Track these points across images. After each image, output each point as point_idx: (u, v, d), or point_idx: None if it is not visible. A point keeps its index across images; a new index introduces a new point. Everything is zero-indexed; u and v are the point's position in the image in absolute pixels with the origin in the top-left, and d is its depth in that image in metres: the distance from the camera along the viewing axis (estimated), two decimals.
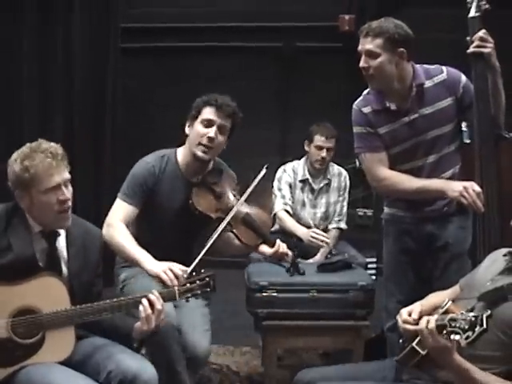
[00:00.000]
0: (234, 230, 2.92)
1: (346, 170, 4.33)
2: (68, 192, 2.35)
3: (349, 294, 3.22)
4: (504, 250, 2.36)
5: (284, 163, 4.34)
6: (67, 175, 2.36)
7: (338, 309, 3.22)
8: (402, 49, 2.78)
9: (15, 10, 4.73)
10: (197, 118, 2.94)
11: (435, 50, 2.94)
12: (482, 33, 2.75)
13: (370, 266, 4.97)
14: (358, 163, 5.45)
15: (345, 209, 4.24)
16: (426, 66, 2.91)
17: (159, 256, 2.79)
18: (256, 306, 3.21)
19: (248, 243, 2.92)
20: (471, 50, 2.74)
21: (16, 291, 2.26)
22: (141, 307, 2.36)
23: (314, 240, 3.79)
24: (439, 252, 2.97)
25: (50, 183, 2.29)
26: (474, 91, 2.80)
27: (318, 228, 4.14)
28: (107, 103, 4.83)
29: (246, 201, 2.99)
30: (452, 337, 1.98)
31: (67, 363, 2.29)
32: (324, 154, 4.04)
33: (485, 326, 1.93)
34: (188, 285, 2.49)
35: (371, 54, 2.78)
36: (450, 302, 2.19)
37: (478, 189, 2.68)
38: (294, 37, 5.50)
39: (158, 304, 2.37)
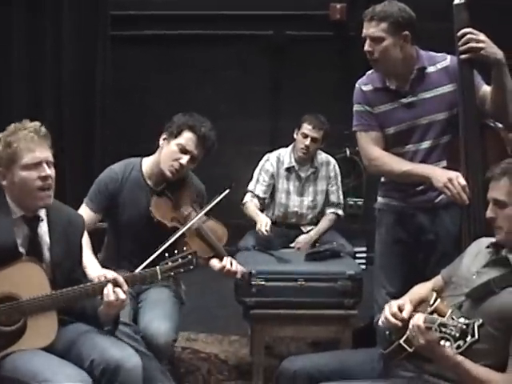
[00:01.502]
0: (187, 240, 2.92)
1: (335, 159, 4.32)
2: (50, 171, 2.35)
3: (337, 283, 3.23)
4: (485, 241, 2.36)
5: (270, 152, 4.34)
6: (50, 156, 2.37)
7: (326, 298, 3.23)
8: (406, 32, 2.78)
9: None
10: (175, 137, 2.95)
11: (424, 38, 2.90)
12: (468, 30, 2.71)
13: (359, 255, 5.00)
14: (348, 152, 5.49)
15: (341, 197, 4.25)
16: (431, 52, 2.91)
17: (125, 262, 2.91)
18: (244, 295, 3.21)
19: (199, 255, 2.91)
20: (463, 48, 2.69)
21: None
22: (105, 291, 2.34)
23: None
24: (430, 246, 2.95)
25: (31, 159, 2.30)
26: (459, 79, 2.78)
27: (305, 217, 4.16)
28: (96, 92, 4.79)
29: (205, 214, 3.01)
30: (442, 342, 1.97)
31: (52, 350, 2.28)
32: (308, 142, 4.04)
33: (476, 336, 1.92)
34: (170, 263, 2.48)
35: (376, 39, 2.77)
36: (439, 300, 2.18)
37: (463, 181, 2.66)
38: (284, 25, 5.45)
39: (122, 293, 2.34)
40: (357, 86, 3.00)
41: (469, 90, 2.76)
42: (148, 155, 3.10)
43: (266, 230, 3.69)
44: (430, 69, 2.86)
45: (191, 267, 2.50)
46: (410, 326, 2.09)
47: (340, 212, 4.22)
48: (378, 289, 3.11)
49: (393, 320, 2.23)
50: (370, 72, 2.98)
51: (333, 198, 4.21)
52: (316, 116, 4.11)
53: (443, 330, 1.98)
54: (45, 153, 2.35)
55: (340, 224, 4.39)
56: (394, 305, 2.27)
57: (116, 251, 3.05)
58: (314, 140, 4.06)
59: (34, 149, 2.31)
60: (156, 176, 3.02)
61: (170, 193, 2.99)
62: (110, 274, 2.65)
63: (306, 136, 4.05)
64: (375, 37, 2.77)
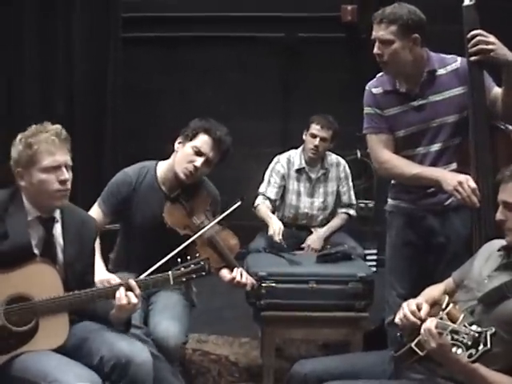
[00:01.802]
0: (197, 249, 2.92)
1: (346, 160, 4.33)
2: (68, 175, 2.37)
3: (348, 285, 3.22)
4: (497, 245, 2.35)
5: (280, 153, 4.34)
6: (69, 159, 2.39)
7: (337, 300, 3.22)
8: (415, 35, 2.76)
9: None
10: (191, 140, 2.95)
11: (433, 40, 2.90)
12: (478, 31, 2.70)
13: (370, 257, 5.00)
14: (359, 154, 5.47)
15: (353, 197, 4.25)
16: (442, 54, 2.90)
17: (135, 265, 2.91)
18: (255, 297, 3.20)
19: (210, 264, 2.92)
20: (472, 50, 2.69)
21: (9, 279, 2.26)
22: (117, 294, 2.36)
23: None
24: (440, 249, 2.94)
25: (51, 162, 2.32)
26: (469, 81, 2.77)
27: (316, 218, 4.16)
28: (108, 92, 4.81)
29: (217, 223, 3.01)
30: (454, 350, 1.96)
31: (61, 349, 2.30)
32: (317, 142, 4.04)
33: (489, 345, 1.91)
34: (182, 269, 2.49)
35: (385, 41, 2.76)
36: (451, 305, 2.18)
37: (473, 184, 2.65)
38: (295, 27, 5.46)
39: (134, 298, 2.36)
40: (367, 88, 2.99)
41: (479, 92, 2.76)
42: (164, 159, 3.09)
43: (280, 239, 3.67)
44: (440, 71, 2.86)
45: (203, 273, 2.51)
46: (422, 331, 2.08)
47: (352, 212, 4.23)
48: (388, 291, 3.11)
49: (412, 318, 2.21)
50: (379, 75, 2.98)
51: (344, 198, 4.21)
52: (324, 116, 4.12)
53: (455, 337, 1.97)
54: (64, 156, 2.36)
55: (350, 226, 4.39)
56: (412, 303, 2.27)
57: (127, 253, 3.07)
58: (323, 139, 4.06)
59: (54, 152, 2.33)
60: (170, 181, 3.02)
61: (184, 200, 2.99)
62: (114, 278, 2.73)
63: (314, 136, 4.05)
64: (385, 39, 2.76)
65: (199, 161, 2.92)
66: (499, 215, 2.28)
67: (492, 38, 2.68)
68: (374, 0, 5.34)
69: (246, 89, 5.51)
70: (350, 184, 4.25)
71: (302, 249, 4.01)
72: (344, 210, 4.21)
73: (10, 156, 2.39)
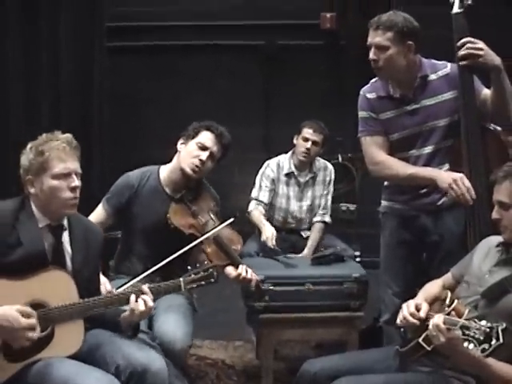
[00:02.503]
0: (204, 248, 3.00)
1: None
2: (79, 182, 2.40)
3: (343, 285, 3.29)
4: (494, 241, 2.44)
5: (269, 158, 4.42)
6: (79, 167, 2.42)
7: (333, 300, 3.28)
8: (410, 42, 2.86)
9: None
10: (193, 138, 3.07)
11: (425, 46, 3.00)
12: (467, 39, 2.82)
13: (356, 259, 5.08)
14: (340, 159, 5.58)
15: (329, 202, 4.32)
16: (433, 60, 3.00)
17: (140, 267, 2.98)
18: (253, 300, 3.26)
19: (216, 262, 2.96)
20: (462, 53, 2.80)
21: (25, 285, 2.27)
22: (132, 299, 2.40)
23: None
24: (434, 247, 3.03)
25: (62, 169, 2.35)
26: (460, 85, 2.88)
27: (304, 221, 4.24)
28: (94, 102, 4.84)
29: (220, 220, 3.09)
30: (465, 344, 2.03)
31: (76, 356, 2.31)
32: (309, 145, 4.13)
33: (501, 340, 1.97)
34: (193, 275, 2.54)
35: (381, 47, 2.85)
36: (456, 301, 2.26)
37: (467, 182, 2.75)
38: (275, 35, 5.57)
39: (150, 301, 2.41)
40: (361, 93, 3.08)
41: (469, 95, 2.87)
42: (165, 163, 3.18)
43: (273, 245, 3.74)
44: (432, 76, 2.95)
45: (212, 281, 2.57)
46: (430, 326, 2.15)
47: (326, 219, 4.27)
48: (384, 289, 3.19)
49: (411, 319, 2.30)
50: (373, 81, 3.07)
51: (321, 201, 4.28)
52: (315, 121, 4.22)
53: (466, 332, 2.04)
54: (75, 164, 2.40)
55: (334, 229, 4.47)
56: (411, 305, 2.35)
57: (129, 258, 3.10)
58: (314, 143, 4.15)
59: (65, 159, 2.36)
60: (174, 182, 3.10)
61: (189, 200, 3.05)
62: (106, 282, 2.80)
63: (306, 140, 4.14)
64: (380, 45, 2.85)
65: (204, 155, 3.02)
66: (495, 214, 2.39)
67: (481, 44, 2.79)
68: (352, 8, 5.51)
69: (228, 96, 5.59)
70: (331, 189, 4.34)
71: (293, 252, 4.07)
72: (319, 219, 4.26)
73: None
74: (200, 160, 3.02)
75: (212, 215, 3.10)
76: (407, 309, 2.34)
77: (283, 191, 4.24)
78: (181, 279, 2.52)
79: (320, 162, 4.30)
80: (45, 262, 2.34)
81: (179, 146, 3.11)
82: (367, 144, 3.03)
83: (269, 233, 3.84)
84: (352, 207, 5.61)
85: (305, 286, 3.28)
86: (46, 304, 2.29)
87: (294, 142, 4.23)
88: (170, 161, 3.18)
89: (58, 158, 2.35)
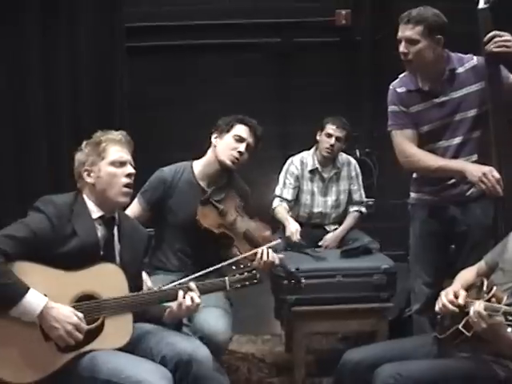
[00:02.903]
0: (236, 244, 3.10)
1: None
2: (133, 170, 2.51)
3: (373, 277, 3.35)
4: None
5: (290, 156, 4.47)
6: (132, 160, 2.53)
7: (363, 292, 3.36)
8: (439, 36, 2.94)
9: (18, 10, 4.72)
10: (228, 132, 3.17)
11: (451, 41, 3.06)
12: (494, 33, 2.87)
13: None
14: (358, 154, 5.62)
15: (363, 196, 4.40)
16: (459, 54, 3.07)
17: (176, 261, 3.12)
18: (284, 293, 3.32)
19: (249, 257, 3.01)
20: (492, 49, 2.85)
21: (78, 276, 2.31)
22: (180, 295, 2.45)
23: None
24: (462, 237, 3.10)
25: (119, 157, 2.48)
26: (486, 77, 2.94)
27: (329, 216, 4.31)
28: (114, 102, 4.84)
29: (249, 216, 3.20)
30: (509, 330, 2.10)
31: (124, 348, 2.35)
32: (332, 141, 4.19)
33: None
34: (238, 275, 2.60)
35: (411, 41, 2.93)
36: (495, 287, 2.30)
37: (497, 175, 2.80)
38: (291, 33, 5.59)
39: (197, 298, 2.46)
40: (391, 88, 3.14)
41: (496, 87, 2.92)
42: (196, 158, 3.26)
43: (298, 239, 3.80)
44: (460, 69, 3.03)
45: (255, 281, 2.62)
46: (472, 313, 2.21)
47: (363, 209, 4.38)
48: (414, 279, 3.26)
49: (451, 307, 2.36)
50: (402, 75, 3.14)
51: (356, 196, 4.36)
52: (338, 117, 4.27)
53: (509, 318, 2.11)
54: (129, 156, 2.52)
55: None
56: (450, 292, 2.41)
57: (167, 251, 3.16)
58: (338, 139, 4.21)
59: (121, 150, 2.50)
60: (209, 176, 3.19)
61: (215, 200, 3.13)
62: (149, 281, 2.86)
63: (330, 136, 4.20)
64: (411, 39, 2.93)
65: (242, 146, 3.13)
66: None
67: (508, 36, 2.85)
68: (367, 4, 5.56)
69: (244, 94, 5.61)
70: (361, 182, 4.40)
71: (319, 247, 4.13)
72: (355, 208, 4.35)
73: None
74: (239, 152, 3.12)
75: (239, 211, 3.17)
76: (446, 296, 2.40)
77: (308, 187, 4.30)
78: (226, 278, 2.58)
79: (343, 156, 4.36)
80: (98, 254, 2.40)
81: (213, 140, 3.20)
82: (398, 137, 3.09)
83: (293, 228, 3.90)
84: (370, 201, 5.64)
85: (335, 278, 3.35)
86: (97, 296, 2.33)
87: (317, 138, 4.28)
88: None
89: (114, 148, 2.48)
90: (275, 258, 2.99)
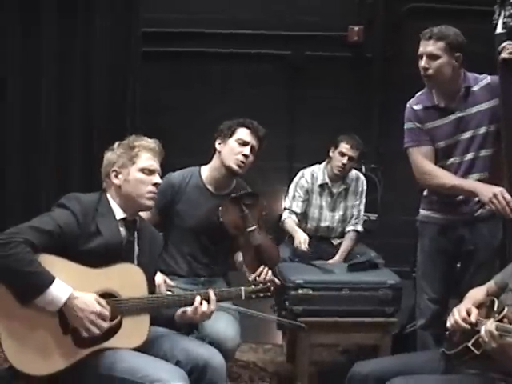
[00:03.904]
0: (242, 250, 3.17)
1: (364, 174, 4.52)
2: (160, 180, 2.56)
3: (379, 292, 3.37)
4: None
5: (296, 167, 4.51)
6: (160, 171, 2.58)
7: (369, 306, 3.37)
8: (459, 53, 3.02)
9: (33, 10, 4.78)
10: (230, 136, 3.18)
11: (469, 62, 3.13)
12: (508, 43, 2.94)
13: None
14: (364, 169, 5.66)
15: (362, 212, 4.42)
16: (475, 74, 3.15)
17: (184, 265, 3.17)
18: (291, 303, 3.34)
19: (249, 268, 3.11)
20: (506, 56, 2.92)
21: (100, 274, 2.34)
22: (197, 300, 2.49)
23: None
24: (469, 257, 3.15)
25: (149, 165, 2.52)
26: (501, 100, 3.00)
27: (335, 230, 4.34)
28: (126, 106, 4.90)
29: (266, 233, 3.24)
30: None
31: (140, 349, 2.38)
32: (345, 160, 4.20)
33: None
34: (253, 286, 2.64)
35: (432, 56, 3.00)
36: (507, 308, 2.32)
37: (508, 196, 2.85)
38: (303, 46, 5.66)
39: (213, 305, 2.51)
40: (408, 106, 3.19)
41: (510, 108, 2.97)
42: (204, 163, 3.30)
43: (306, 248, 3.85)
44: (475, 87, 3.10)
45: (269, 294, 2.67)
46: (483, 332, 2.23)
47: (359, 228, 4.38)
48: (420, 295, 3.30)
49: (463, 324, 2.39)
50: (419, 93, 3.20)
51: (354, 211, 4.38)
52: (353, 136, 4.26)
53: None
54: (158, 165, 2.56)
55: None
56: (462, 309, 2.44)
57: (176, 256, 3.19)
58: (350, 159, 4.21)
59: (152, 158, 2.53)
60: (217, 180, 3.22)
61: (244, 203, 3.16)
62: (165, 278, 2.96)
63: (343, 154, 4.20)
64: (432, 54, 3.00)
65: (247, 150, 3.15)
66: None
67: None
68: (379, 22, 5.63)
69: (254, 104, 5.65)
70: (363, 199, 4.43)
71: (327, 259, 4.17)
72: (351, 228, 4.36)
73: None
74: (244, 155, 3.13)
75: (260, 223, 3.20)
76: (459, 314, 2.42)
77: (316, 201, 4.32)
78: (242, 288, 2.62)
79: (352, 172, 4.38)
80: (120, 254, 2.43)
81: (217, 146, 3.22)
82: (414, 154, 3.14)
83: (302, 237, 3.96)
84: (373, 217, 5.68)
85: (342, 292, 3.37)
86: (117, 295, 2.36)
87: (330, 154, 4.29)
88: None
89: (146, 155, 2.52)
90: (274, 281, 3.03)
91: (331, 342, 3.61)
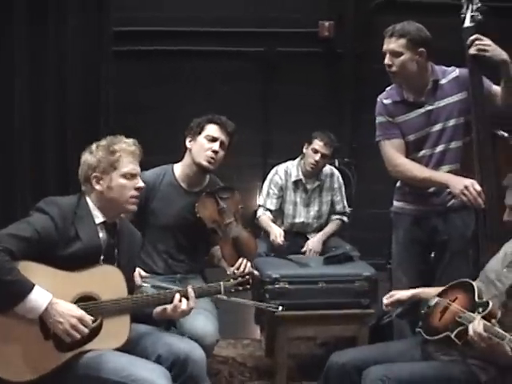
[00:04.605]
0: (221, 243, 3.20)
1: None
2: (142, 184, 2.55)
3: (355, 284, 3.43)
4: (510, 244, 2.58)
5: (270, 163, 4.55)
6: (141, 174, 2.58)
7: (345, 298, 3.43)
8: (422, 49, 3.05)
9: (4, 10, 4.72)
10: (200, 133, 3.21)
11: (437, 56, 3.18)
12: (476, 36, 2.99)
13: None
14: (337, 163, 5.71)
15: (346, 206, 4.48)
16: (443, 66, 3.19)
17: (161, 263, 3.19)
18: (268, 298, 3.36)
19: (228, 261, 3.16)
20: (473, 52, 2.97)
21: (79, 278, 2.34)
22: (176, 298, 2.50)
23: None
24: (442, 247, 3.20)
25: (131, 169, 2.50)
26: (471, 95, 3.05)
27: (311, 226, 4.38)
28: (99, 105, 4.87)
29: (244, 226, 3.28)
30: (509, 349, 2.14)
31: (121, 349, 2.39)
32: (318, 157, 4.22)
33: None
34: (232, 281, 2.66)
35: (395, 53, 3.05)
36: (491, 303, 2.35)
37: (478, 187, 2.91)
38: (275, 42, 5.69)
39: (192, 302, 2.53)
40: (378, 100, 3.24)
41: (480, 105, 3.01)
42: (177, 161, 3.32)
43: (282, 241, 3.90)
44: (443, 81, 3.15)
45: (248, 287, 2.69)
46: (471, 332, 2.26)
47: (345, 219, 4.45)
48: (395, 284, 3.33)
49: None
50: (389, 88, 3.25)
51: (339, 208, 4.44)
52: (327, 133, 4.28)
53: None
54: (139, 167, 2.55)
55: None
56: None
57: (152, 254, 3.21)
58: (323, 156, 4.24)
59: (133, 161, 2.51)
60: (189, 177, 3.25)
61: (219, 197, 3.20)
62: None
63: (316, 151, 4.22)
64: (395, 51, 3.04)
65: (216, 145, 3.18)
66: (506, 216, 2.55)
67: (488, 41, 2.97)
68: (350, 17, 5.68)
69: (228, 101, 5.67)
70: (343, 193, 4.47)
71: (303, 253, 4.21)
72: (338, 217, 4.43)
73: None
74: (213, 151, 3.16)
75: (237, 217, 3.24)
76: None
77: (291, 198, 4.35)
78: (221, 283, 2.64)
79: (327, 168, 4.41)
80: (99, 257, 2.44)
81: (188, 143, 3.25)
82: (386, 147, 3.19)
83: (277, 232, 4.02)
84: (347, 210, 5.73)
85: (318, 285, 3.41)
86: (97, 297, 2.37)
87: (304, 150, 4.32)
88: None
89: (128, 159, 2.49)
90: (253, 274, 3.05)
91: (309, 334, 3.66)
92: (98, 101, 4.83)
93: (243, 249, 3.18)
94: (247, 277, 2.69)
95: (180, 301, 2.49)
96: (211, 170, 3.24)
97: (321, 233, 4.33)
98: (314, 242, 4.27)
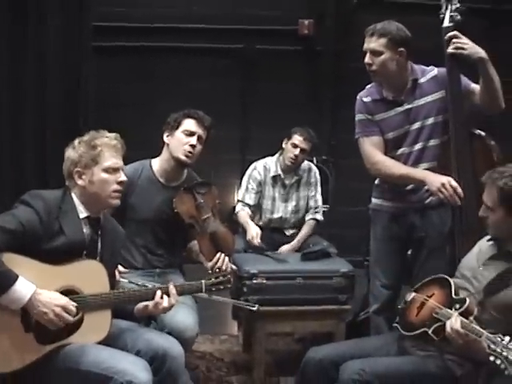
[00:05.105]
0: (198, 238, 3.23)
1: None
2: (125, 177, 2.54)
3: (332, 280, 3.46)
4: (485, 240, 2.63)
5: (248, 160, 4.56)
6: (123, 165, 2.56)
7: (322, 294, 3.45)
8: (402, 48, 3.08)
9: None
10: (177, 128, 3.23)
11: (416, 55, 3.21)
12: (453, 33, 3.02)
13: None
14: (315, 161, 5.74)
15: (320, 202, 4.48)
16: (422, 66, 3.22)
17: (140, 258, 3.21)
18: (246, 293, 3.39)
19: (206, 256, 3.18)
20: (450, 51, 3.01)
21: (61, 271, 2.34)
22: (157, 295, 2.51)
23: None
24: (420, 243, 3.23)
25: (113, 164, 2.49)
26: (449, 94, 3.08)
27: (289, 221, 4.40)
28: (80, 102, 4.82)
29: (221, 221, 3.31)
30: (492, 359, 2.13)
31: (102, 343, 2.39)
32: (297, 152, 4.25)
33: None
34: (213, 279, 2.67)
35: (375, 52, 3.08)
36: (468, 300, 2.38)
37: (455, 184, 2.95)
38: (255, 39, 5.72)
39: (173, 299, 2.53)
40: (358, 98, 3.27)
41: (457, 104, 3.05)
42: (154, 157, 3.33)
43: (258, 242, 3.93)
44: (422, 80, 3.18)
45: (228, 286, 2.71)
46: (448, 329, 2.29)
47: (318, 217, 4.45)
48: (373, 281, 3.38)
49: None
50: (369, 86, 3.27)
51: (311, 202, 4.45)
52: (306, 129, 4.33)
53: (492, 347, 2.15)
54: (121, 161, 2.54)
55: None
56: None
57: (131, 249, 3.21)
58: (302, 151, 4.27)
59: (115, 155, 2.50)
60: (167, 172, 3.26)
61: (197, 192, 3.22)
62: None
63: (295, 146, 4.25)
64: (375, 50, 3.07)
65: (193, 140, 3.20)
66: (482, 212, 2.59)
67: (465, 39, 3.01)
68: (329, 15, 5.71)
69: (207, 98, 5.67)
70: (319, 189, 4.49)
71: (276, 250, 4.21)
72: (311, 217, 4.43)
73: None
74: (191, 145, 3.18)
75: (215, 212, 3.26)
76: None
77: (269, 193, 4.37)
78: (202, 281, 2.65)
79: (305, 163, 4.43)
80: (82, 252, 2.44)
81: (165, 138, 3.26)
82: (364, 145, 3.22)
83: (254, 232, 4.03)
84: (325, 208, 5.75)
85: (296, 280, 3.43)
86: (78, 291, 2.37)
87: (283, 145, 4.35)
88: None
89: (109, 153, 2.48)
90: (231, 268, 3.14)
91: (286, 330, 3.68)
92: (78, 101, 4.80)
93: (221, 243, 3.20)
94: (228, 276, 2.71)
95: (161, 298, 2.50)
96: (189, 165, 3.26)
97: (296, 240, 4.31)
98: (288, 248, 4.25)
